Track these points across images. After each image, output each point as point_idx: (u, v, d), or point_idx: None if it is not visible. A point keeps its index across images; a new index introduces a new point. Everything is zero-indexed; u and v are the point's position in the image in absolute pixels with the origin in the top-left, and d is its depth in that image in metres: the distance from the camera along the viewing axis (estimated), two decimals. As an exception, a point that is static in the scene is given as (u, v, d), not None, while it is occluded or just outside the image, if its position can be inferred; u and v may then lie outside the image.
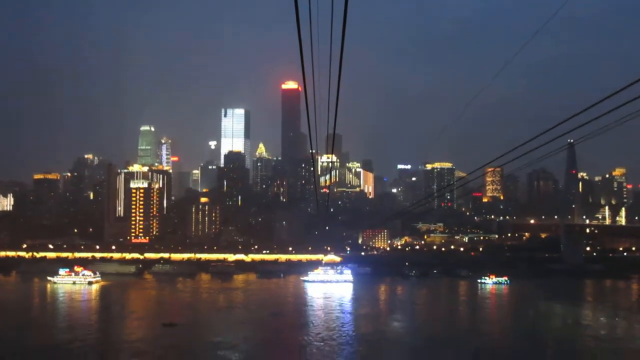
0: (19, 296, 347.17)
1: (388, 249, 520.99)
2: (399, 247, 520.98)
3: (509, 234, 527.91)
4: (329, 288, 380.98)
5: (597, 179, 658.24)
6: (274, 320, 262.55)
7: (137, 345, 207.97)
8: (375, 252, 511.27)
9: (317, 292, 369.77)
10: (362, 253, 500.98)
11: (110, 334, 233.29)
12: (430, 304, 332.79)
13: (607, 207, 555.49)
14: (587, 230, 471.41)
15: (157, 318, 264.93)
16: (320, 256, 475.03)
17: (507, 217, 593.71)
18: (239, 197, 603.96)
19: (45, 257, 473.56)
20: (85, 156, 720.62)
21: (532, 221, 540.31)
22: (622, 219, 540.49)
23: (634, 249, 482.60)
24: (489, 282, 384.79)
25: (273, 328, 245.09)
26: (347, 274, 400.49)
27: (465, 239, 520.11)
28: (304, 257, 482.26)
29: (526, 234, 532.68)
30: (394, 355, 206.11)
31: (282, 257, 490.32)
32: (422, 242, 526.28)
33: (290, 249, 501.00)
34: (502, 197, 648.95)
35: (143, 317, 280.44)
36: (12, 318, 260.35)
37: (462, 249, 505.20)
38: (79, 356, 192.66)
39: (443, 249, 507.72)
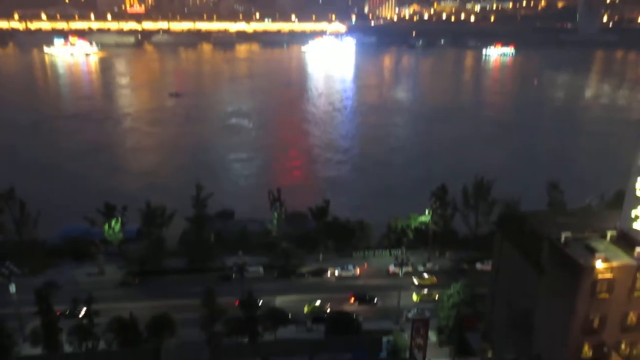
0: (21, 68, 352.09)
1: (395, 18, 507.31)
2: (407, 16, 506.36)
3: (524, 3, 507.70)
4: (332, 58, 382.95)
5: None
6: (284, 90, 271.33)
7: (153, 115, 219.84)
8: (381, 22, 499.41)
9: (319, 62, 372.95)
10: (368, 23, 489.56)
11: (121, 105, 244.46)
12: (435, 75, 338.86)
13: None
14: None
15: (163, 88, 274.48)
16: (324, 25, 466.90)
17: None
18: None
19: (40, 29, 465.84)
20: None
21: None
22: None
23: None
24: (494, 53, 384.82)
25: (283, 97, 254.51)
26: (350, 43, 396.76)
27: (477, 8, 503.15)
28: (307, 27, 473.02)
29: (542, 2, 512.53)
30: (399, 120, 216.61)
31: (285, 28, 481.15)
32: (432, 10, 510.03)
33: (293, 17, 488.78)
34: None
35: (149, 87, 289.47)
36: (23, 89, 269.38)
37: (472, 18, 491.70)
38: (98, 122, 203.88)
39: (452, 18, 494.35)
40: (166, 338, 72.37)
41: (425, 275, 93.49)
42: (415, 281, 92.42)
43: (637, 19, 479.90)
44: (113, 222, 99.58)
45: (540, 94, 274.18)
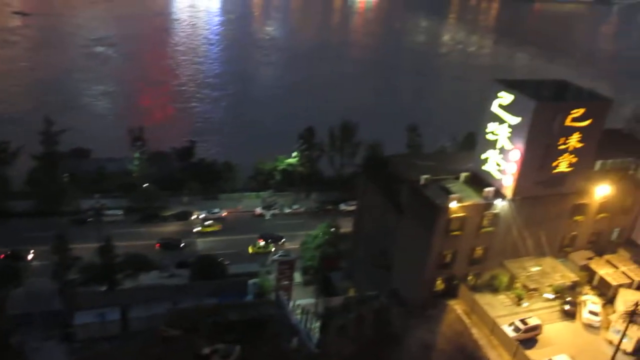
0: None
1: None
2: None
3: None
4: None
5: None
6: (152, 19, 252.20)
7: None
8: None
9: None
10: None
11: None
12: (305, 13, 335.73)
13: None
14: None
15: (3, 5, 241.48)
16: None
17: None
18: None
19: None
20: None
21: None
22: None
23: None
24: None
25: (151, 27, 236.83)
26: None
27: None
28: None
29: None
30: (267, 58, 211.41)
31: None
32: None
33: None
34: None
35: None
36: None
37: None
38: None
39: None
40: (12, 287, 66.31)
41: (207, 222, 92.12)
42: (199, 228, 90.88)
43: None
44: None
45: (401, 38, 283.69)
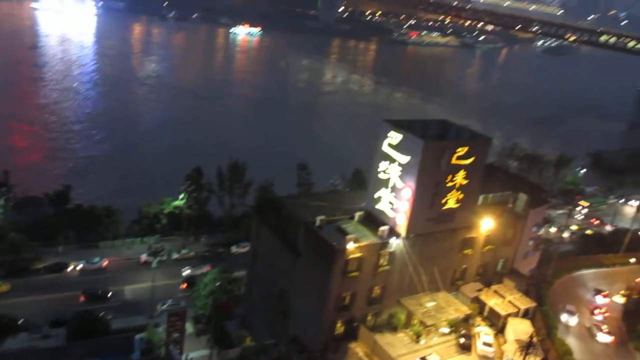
0: None
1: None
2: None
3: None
4: (71, 19, 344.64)
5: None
6: (21, 54, 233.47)
7: None
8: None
9: (55, 22, 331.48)
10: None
11: None
12: (188, 50, 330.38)
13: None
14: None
15: None
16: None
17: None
18: None
19: None
20: None
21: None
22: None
23: (378, 13, 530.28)
24: (241, 32, 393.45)
25: (16, 62, 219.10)
26: (89, 7, 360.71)
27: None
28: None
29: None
30: (151, 95, 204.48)
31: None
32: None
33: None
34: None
35: None
36: None
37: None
38: None
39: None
40: None
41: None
42: None
43: (367, 12, 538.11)
44: None
45: (287, 76, 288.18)
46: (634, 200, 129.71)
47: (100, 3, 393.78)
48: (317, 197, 66.95)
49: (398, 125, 55.97)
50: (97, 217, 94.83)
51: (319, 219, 55.48)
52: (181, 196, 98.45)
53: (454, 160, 54.45)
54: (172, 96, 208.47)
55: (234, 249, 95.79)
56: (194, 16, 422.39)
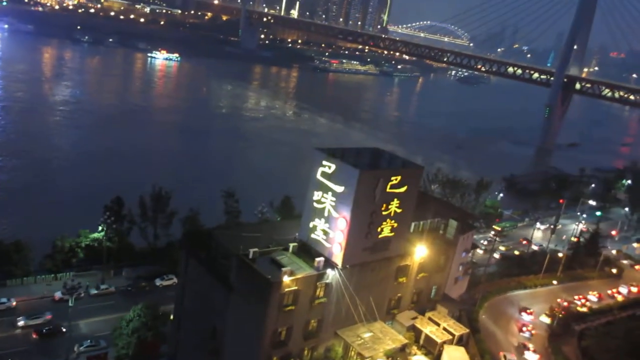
0: None
1: (57, 7, 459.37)
2: (71, 7, 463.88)
3: (192, 11, 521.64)
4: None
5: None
6: None
7: None
8: (40, 9, 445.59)
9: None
10: (25, 7, 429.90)
11: None
12: (104, 75, 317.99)
13: (284, 0, 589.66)
14: (265, 19, 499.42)
15: None
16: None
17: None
18: None
19: None
20: None
21: (216, 1, 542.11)
22: (295, 13, 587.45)
23: (299, 41, 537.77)
24: (159, 57, 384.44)
25: None
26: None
27: (147, 10, 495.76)
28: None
29: (209, 13, 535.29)
30: (65, 121, 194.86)
31: None
32: (99, 5, 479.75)
33: None
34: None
35: None
36: None
37: (142, 19, 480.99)
38: None
39: (122, 16, 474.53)
40: None
41: None
42: None
43: (288, 39, 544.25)
44: None
45: (210, 102, 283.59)
46: (543, 224, 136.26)
47: (6, 26, 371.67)
48: (248, 228, 64.57)
49: (331, 154, 55.14)
50: (5, 252, 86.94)
51: (252, 251, 53.16)
52: (100, 228, 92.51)
53: (388, 189, 54.25)
54: (90, 122, 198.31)
55: (158, 282, 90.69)
56: (110, 40, 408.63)
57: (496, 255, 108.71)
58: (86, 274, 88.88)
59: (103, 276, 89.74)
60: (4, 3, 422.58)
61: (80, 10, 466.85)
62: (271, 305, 50.04)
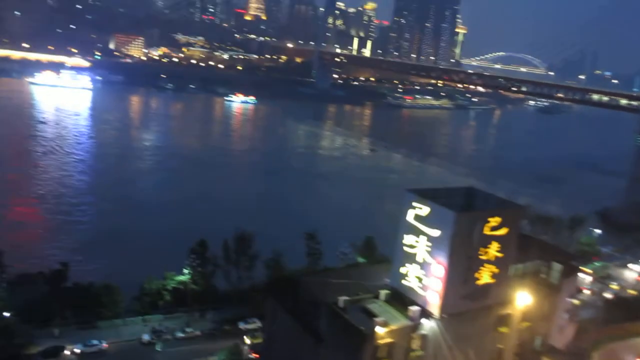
0: None
1: (144, 58, 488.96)
2: (156, 57, 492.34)
3: (268, 55, 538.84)
4: (64, 94, 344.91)
5: (351, 10, 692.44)
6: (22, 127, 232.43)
7: None
8: (129, 60, 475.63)
9: (50, 98, 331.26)
10: (115, 59, 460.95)
11: None
12: (188, 119, 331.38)
13: (355, 39, 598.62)
14: (337, 59, 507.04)
15: None
16: (63, 58, 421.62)
17: (268, 38, 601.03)
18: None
19: None
20: None
21: (290, 45, 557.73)
22: (367, 51, 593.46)
23: (372, 79, 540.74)
24: (236, 100, 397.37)
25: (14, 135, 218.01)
26: (86, 81, 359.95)
27: (226, 56, 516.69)
28: (43, 57, 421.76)
29: (283, 57, 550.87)
30: (154, 167, 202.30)
31: (16, 55, 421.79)
32: (181, 54, 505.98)
33: (26, 45, 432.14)
34: (264, 17, 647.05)
35: None
36: None
37: (221, 65, 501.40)
38: None
39: (202, 64, 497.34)
40: None
41: None
42: None
43: (360, 77, 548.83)
44: None
45: (286, 142, 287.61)
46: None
47: (99, 77, 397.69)
48: (335, 273, 61.81)
49: (423, 195, 51.79)
50: (96, 295, 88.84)
51: (342, 299, 50.20)
52: (185, 271, 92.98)
53: (486, 231, 49.97)
54: (175, 166, 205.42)
55: (242, 326, 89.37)
56: (191, 86, 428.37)
57: (610, 296, 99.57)
58: (172, 316, 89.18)
59: (189, 319, 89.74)
60: (98, 57, 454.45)
61: (164, 60, 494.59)
62: (364, 358, 46.58)
